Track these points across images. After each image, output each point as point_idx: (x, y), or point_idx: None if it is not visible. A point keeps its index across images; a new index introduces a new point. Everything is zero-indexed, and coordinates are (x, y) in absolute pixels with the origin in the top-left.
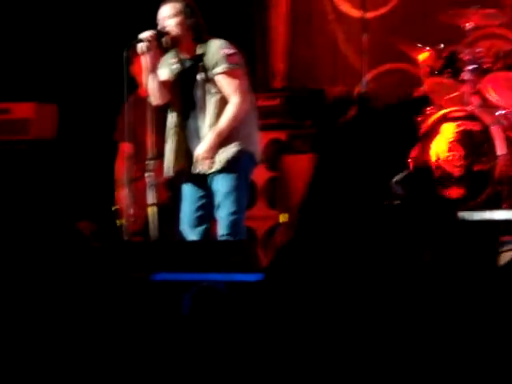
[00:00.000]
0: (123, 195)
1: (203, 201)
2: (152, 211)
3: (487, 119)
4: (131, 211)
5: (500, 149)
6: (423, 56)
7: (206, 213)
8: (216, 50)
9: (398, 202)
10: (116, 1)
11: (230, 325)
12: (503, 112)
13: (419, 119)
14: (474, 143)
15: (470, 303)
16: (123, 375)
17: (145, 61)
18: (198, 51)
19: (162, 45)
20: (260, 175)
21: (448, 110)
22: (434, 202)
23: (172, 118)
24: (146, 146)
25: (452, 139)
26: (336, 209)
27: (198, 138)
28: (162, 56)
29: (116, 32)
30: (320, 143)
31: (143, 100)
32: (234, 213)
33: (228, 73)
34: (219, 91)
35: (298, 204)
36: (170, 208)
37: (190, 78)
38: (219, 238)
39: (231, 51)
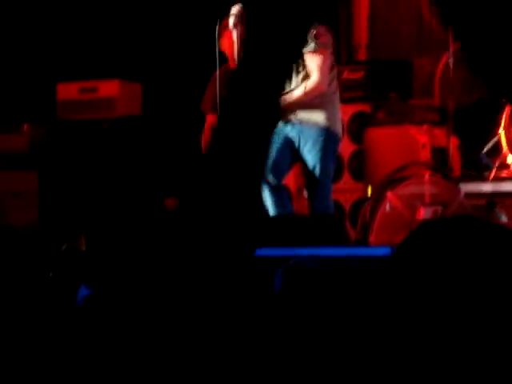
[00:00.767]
0: None
1: (284, 150)
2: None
3: None
4: None
5: None
6: None
7: (283, 165)
8: None
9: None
10: None
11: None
12: None
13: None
14: None
15: None
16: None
17: (235, 34)
18: None
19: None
20: (345, 148)
21: None
22: None
23: None
24: None
25: None
26: None
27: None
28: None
29: (199, 7)
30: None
31: (231, 73)
32: (319, 186)
33: (315, 52)
34: (304, 69)
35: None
36: None
37: None
38: (308, 212)
39: (319, 30)
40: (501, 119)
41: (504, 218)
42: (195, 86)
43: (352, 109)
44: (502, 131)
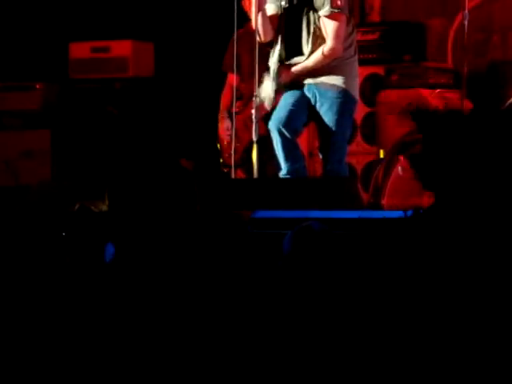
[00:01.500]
0: (225, 126)
1: (301, 107)
2: (256, 148)
3: None
4: (232, 144)
5: None
6: None
7: (298, 121)
8: None
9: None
10: None
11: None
12: None
13: None
14: None
15: None
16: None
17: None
18: None
19: None
20: (358, 111)
21: None
22: None
23: (274, 55)
24: (249, 81)
25: None
26: None
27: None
28: None
29: None
30: None
31: (252, 35)
32: (334, 148)
33: (331, 16)
34: (320, 33)
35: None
36: (266, 139)
37: (296, 17)
38: (321, 174)
39: None
40: None
41: None
42: (207, 46)
43: (365, 71)
44: None
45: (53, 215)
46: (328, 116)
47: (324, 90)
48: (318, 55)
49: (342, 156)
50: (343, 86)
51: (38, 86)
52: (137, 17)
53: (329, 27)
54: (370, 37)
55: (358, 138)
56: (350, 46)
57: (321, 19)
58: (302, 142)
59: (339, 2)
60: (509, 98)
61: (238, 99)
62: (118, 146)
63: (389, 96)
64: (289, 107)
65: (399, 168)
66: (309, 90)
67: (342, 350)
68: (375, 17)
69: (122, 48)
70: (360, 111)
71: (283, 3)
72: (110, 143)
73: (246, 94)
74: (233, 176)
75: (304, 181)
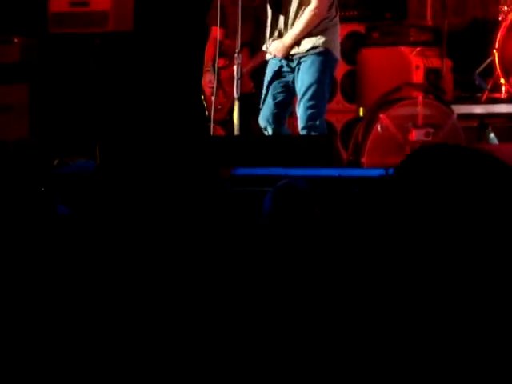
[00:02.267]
0: (208, 79)
1: (282, 96)
2: (238, 105)
3: None
4: (213, 98)
5: None
6: None
7: (284, 111)
8: None
9: (480, 93)
10: None
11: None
12: None
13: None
14: None
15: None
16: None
17: None
18: None
19: None
20: (338, 69)
21: None
22: None
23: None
24: (233, 36)
25: None
26: None
27: (273, 34)
28: None
29: None
30: None
31: None
32: (313, 106)
33: None
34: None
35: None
36: (253, 96)
37: None
38: (299, 132)
39: None
40: (495, 40)
41: (495, 140)
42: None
43: (346, 28)
44: (495, 52)
45: (31, 171)
46: (307, 74)
47: (306, 55)
48: (304, 18)
49: (320, 113)
50: (325, 45)
51: (16, 40)
52: None
53: None
54: None
55: (338, 96)
56: (332, 5)
57: None
58: None
59: None
60: (488, 56)
61: (221, 56)
62: (101, 101)
63: (369, 54)
64: (272, 103)
65: (379, 126)
66: (293, 61)
67: (327, 317)
68: None
69: (101, 2)
70: (340, 69)
71: None
72: (89, 98)
73: (231, 50)
74: (211, 131)
75: (284, 138)
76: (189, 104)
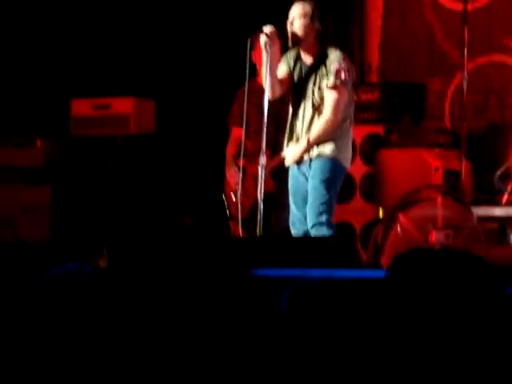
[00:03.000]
0: (233, 171)
1: (301, 202)
2: (261, 206)
3: None
4: (238, 197)
5: None
6: None
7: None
8: (331, 62)
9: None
10: None
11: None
12: None
13: None
14: None
15: None
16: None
17: (265, 55)
18: (318, 58)
19: (285, 42)
20: (357, 169)
21: None
22: None
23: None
24: (255, 137)
25: None
26: None
27: (292, 138)
28: (282, 52)
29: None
30: None
31: (260, 89)
32: (320, 213)
33: (332, 87)
34: (322, 102)
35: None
36: (276, 197)
37: (304, 82)
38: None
39: (343, 66)
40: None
41: None
42: (208, 103)
43: (365, 130)
44: None
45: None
46: (314, 180)
47: (314, 161)
48: (319, 126)
49: (327, 218)
50: (333, 154)
51: (39, 143)
52: (137, 74)
53: (329, 99)
54: (370, 96)
55: (357, 196)
56: (347, 117)
57: (324, 90)
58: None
59: (343, 76)
60: (506, 160)
61: (242, 156)
62: (117, 202)
63: (388, 155)
64: (293, 208)
65: (398, 227)
66: (306, 165)
67: None
68: (373, 76)
69: (123, 105)
70: (359, 170)
71: (293, 67)
72: (109, 200)
73: (252, 151)
74: (240, 230)
75: (304, 240)
76: (210, 204)
